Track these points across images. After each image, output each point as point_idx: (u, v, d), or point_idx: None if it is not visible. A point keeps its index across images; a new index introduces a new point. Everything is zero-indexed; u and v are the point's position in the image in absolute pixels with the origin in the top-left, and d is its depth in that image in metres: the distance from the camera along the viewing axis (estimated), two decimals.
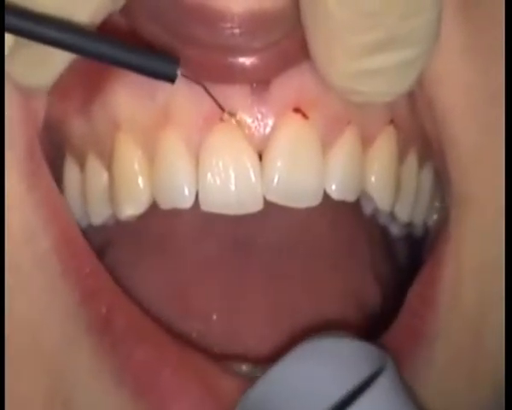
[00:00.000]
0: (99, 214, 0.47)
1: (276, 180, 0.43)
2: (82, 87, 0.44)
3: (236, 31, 0.41)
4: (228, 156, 0.43)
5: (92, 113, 0.45)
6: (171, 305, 0.48)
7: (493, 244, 0.44)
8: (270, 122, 0.43)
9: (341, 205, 0.46)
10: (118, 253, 0.50)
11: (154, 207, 0.45)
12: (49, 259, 0.42)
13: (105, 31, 0.38)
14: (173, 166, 0.43)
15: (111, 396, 0.42)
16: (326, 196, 0.44)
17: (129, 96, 0.44)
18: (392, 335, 0.45)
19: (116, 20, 0.41)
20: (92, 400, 0.42)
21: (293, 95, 0.43)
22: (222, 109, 0.42)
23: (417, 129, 0.45)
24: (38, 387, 0.43)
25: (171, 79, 0.38)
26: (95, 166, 0.46)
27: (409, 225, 0.50)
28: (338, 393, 0.39)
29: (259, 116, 0.43)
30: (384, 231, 0.53)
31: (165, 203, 0.44)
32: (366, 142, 0.45)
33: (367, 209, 0.51)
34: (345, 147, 0.44)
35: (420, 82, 0.41)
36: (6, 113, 0.40)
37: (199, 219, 0.50)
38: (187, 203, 0.44)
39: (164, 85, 0.39)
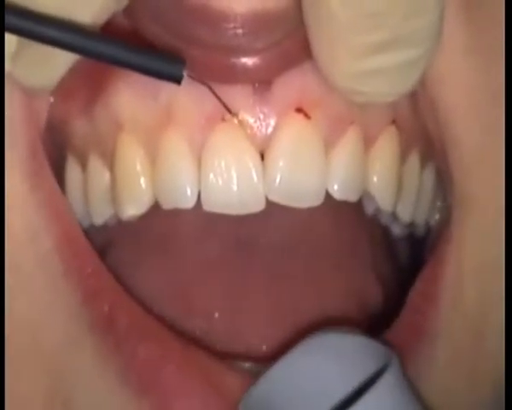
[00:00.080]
0: (101, 214, 0.47)
1: (278, 180, 0.43)
2: (84, 88, 0.44)
3: (239, 31, 0.41)
4: (230, 156, 0.43)
5: (94, 113, 0.45)
6: (173, 304, 0.48)
7: (494, 244, 0.44)
8: (273, 122, 0.43)
9: (343, 205, 0.46)
10: (120, 253, 0.50)
11: (156, 207, 0.45)
12: (51, 259, 0.42)
13: (108, 31, 0.38)
14: (175, 166, 0.43)
15: (115, 395, 0.42)
16: (328, 196, 0.44)
17: (131, 97, 0.44)
18: (394, 332, 0.45)
19: (119, 21, 0.41)
20: (94, 399, 0.42)
21: (296, 95, 0.43)
22: (228, 110, 0.42)
23: (419, 129, 0.46)
24: (38, 387, 0.43)
25: (177, 79, 0.38)
26: (97, 166, 0.46)
27: (410, 225, 0.50)
28: (343, 390, 0.39)
29: (261, 116, 0.43)
30: (386, 231, 0.53)
31: (168, 203, 0.44)
32: (368, 142, 0.45)
33: (369, 209, 0.51)
34: (347, 147, 0.44)
35: (422, 82, 0.41)
36: (8, 113, 0.40)
37: (201, 219, 0.50)
38: (189, 203, 0.44)
39: (166, 86, 0.39)
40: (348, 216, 0.52)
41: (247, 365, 0.46)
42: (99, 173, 0.46)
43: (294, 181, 0.43)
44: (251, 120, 0.43)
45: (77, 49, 0.37)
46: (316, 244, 0.52)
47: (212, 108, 0.43)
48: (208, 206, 0.44)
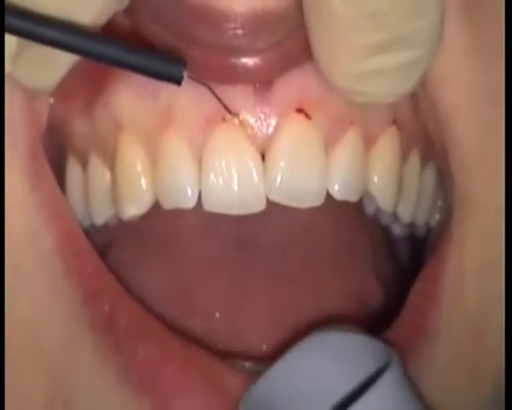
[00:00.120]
0: (101, 214, 0.47)
1: (278, 180, 0.43)
2: (85, 88, 0.44)
3: (239, 31, 0.41)
4: (231, 156, 0.43)
5: (95, 113, 0.45)
6: (173, 304, 0.48)
7: (494, 244, 0.44)
8: (273, 122, 0.43)
9: (344, 205, 0.46)
10: (120, 253, 0.50)
11: (156, 207, 0.45)
12: (52, 259, 0.42)
13: (108, 32, 0.38)
14: (176, 166, 0.44)
15: (116, 395, 0.42)
16: (329, 196, 0.44)
17: (131, 97, 0.44)
18: (394, 332, 0.45)
19: (119, 21, 0.41)
20: (94, 399, 0.42)
21: (296, 95, 0.43)
22: (227, 110, 0.42)
23: (420, 129, 0.46)
24: (39, 387, 0.43)
25: (177, 80, 0.38)
26: (97, 166, 0.46)
27: (411, 225, 0.50)
28: (344, 389, 0.39)
29: (262, 116, 0.43)
30: (386, 231, 0.53)
31: (168, 203, 0.44)
32: (369, 142, 0.45)
33: (369, 209, 0.51)
34: (347, 147, 0.44)
35: (423, 83, 0.41)
36: (9, 113, 0.40)
37: (202, 219, 0.50)
38: (190, 203, 0.44)
39: (166, 86, 0.39)
40: (349, 216, 0.52)
41: (247, 364, 0.46)
42: (99, 174, 0.46)
43: (295, 181, 0.43)
44: (251, 121, 0.43)
45: (77, 50, 0.37)
46: (316, 244, 0.52)
47: (213, 108, 0.43)
48: (209, 206, 0.44)
